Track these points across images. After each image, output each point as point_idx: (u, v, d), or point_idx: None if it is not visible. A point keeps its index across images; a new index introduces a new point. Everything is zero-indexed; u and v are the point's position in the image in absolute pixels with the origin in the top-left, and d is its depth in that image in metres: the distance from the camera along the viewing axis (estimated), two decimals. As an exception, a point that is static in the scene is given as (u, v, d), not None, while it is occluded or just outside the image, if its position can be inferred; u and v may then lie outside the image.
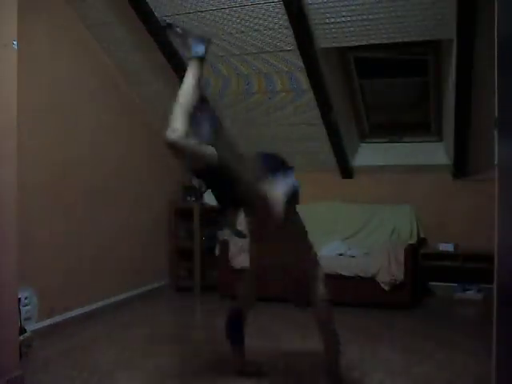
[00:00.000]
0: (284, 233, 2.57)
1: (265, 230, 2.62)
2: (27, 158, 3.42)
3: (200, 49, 2.47)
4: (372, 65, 4.65)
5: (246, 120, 4.95)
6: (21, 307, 3.19)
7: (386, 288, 4.22)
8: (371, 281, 4.27)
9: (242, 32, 4.03)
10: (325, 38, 3.95)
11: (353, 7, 3.65)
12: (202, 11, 3.90)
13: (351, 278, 4.33)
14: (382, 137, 5.17)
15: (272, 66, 4.28)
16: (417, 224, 4.85)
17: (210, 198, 5.28)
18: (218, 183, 2.49)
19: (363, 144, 5.24)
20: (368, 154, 5.18)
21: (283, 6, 3.71)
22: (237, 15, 3.89)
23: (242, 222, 2.86)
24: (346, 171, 5.22)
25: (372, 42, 3.93)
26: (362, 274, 4.30)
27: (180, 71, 4.46)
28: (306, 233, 2.72)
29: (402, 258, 4.25)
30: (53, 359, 3.08)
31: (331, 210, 5.14)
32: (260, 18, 3.87)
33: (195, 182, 3.67)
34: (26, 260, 3.26)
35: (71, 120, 4.00)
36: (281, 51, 4.12)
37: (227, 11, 3.87)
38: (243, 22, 3.93)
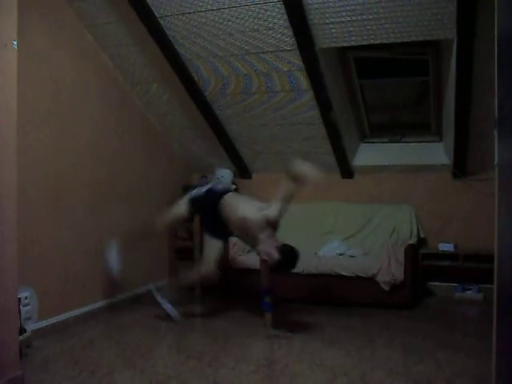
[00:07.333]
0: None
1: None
2: (27, 158, 3.42)
3: None
4: (372, 65, 4.65)
5: (246, 120, 4.95)
6: (21, 307, 3.19)
7: (386, 288, 4.21)
8: (371, 281, 4.26)
9: (242, 32, 4.03)
10: (324, 38, 3.95)
11: (353, 7, 3.65)
12: (202, 11, 3.90)
13: (351, 278, 4.32)
14: (382, 137, 5.17)
15: (272, 65, 4.27)
16: (417, 224, 4.85)
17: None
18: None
19: (363, 144, 5.24)
20: (368, 154, 5.18)
21: (283, 6, 3.71)
22: (237, 15, 3.88)
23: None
24: (346, 171, 5.22)
25: (372, 42, 3.92)
26: (361, 274, 4.30)
27: (180, 71, 4.46)
28: None
29: (401, 258, 4.25)
30: (53, 359, 3.08)
31: (331, 209, 5.14)
32: (260, 18, 3.87)
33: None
34: (26, 260, 3.26)
35: (71, 120, 4.00)
36: (281, 51, 4.12)
37: (227, 11, 3.87)
38: (243, 21, 3.93)
